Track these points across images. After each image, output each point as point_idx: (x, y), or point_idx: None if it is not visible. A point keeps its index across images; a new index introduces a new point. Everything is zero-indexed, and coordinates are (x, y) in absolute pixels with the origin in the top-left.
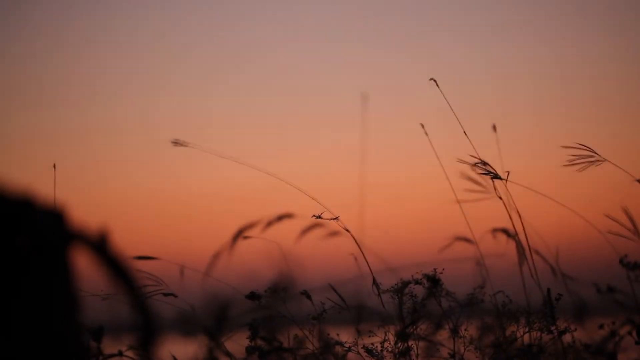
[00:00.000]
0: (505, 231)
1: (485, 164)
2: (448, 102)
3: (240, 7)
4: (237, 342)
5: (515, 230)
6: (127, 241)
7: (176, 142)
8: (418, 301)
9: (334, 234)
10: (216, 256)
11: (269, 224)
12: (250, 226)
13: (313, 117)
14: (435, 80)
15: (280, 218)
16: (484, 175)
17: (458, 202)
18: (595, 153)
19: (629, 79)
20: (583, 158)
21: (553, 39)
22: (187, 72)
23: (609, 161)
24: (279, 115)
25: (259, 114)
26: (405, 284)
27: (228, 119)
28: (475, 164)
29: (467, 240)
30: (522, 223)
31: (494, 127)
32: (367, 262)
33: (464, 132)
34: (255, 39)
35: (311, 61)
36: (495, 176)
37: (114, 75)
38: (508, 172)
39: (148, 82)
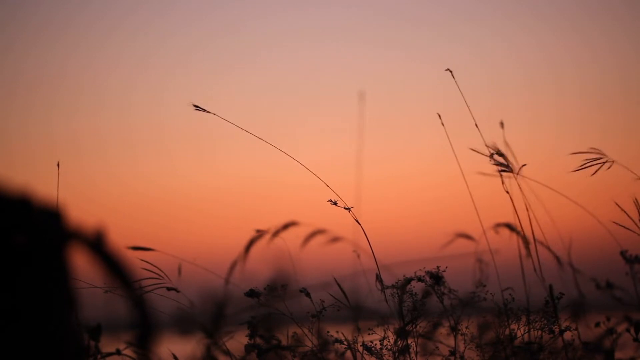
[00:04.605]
0: (508, 226)
1: (500, 154)
2: (462, 94)
3: (243, 8)
4: (236, 340)
5: (521, 225)
6: (128, 238)
7: (197, 107)
8: (418, 299)
9: (336, 240)
10: (233, 267)
11: (276, 233)
12: (258, 237)
13: (310, 116)
14: (450, 71)
15: (286, 226)
16: (498, 166)
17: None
18: (605, 155)
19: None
20: (593, 161)
21: (547, 38)
22: (190, 73)
23: (617, 162)
24: (277, 115)
25: (257, 113)
26: (408, 280)
27: (232, 118)
28: (491, 155)
29: (468, 237)
30: (529, 217)
31: (502, 124)
32: (374, 257)
33: (476, 124)
34: (251, 40)
35: (310, 61)
36: (509, 168)
37: (120, 74)
38: (524, 164)
39: (154, 81)
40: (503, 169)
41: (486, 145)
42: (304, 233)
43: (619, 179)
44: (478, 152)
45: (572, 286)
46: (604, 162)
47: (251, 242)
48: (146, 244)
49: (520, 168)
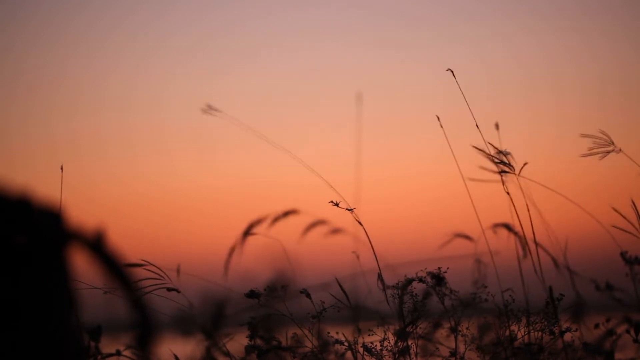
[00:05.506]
0: (506, 226)
1: (506, 153)
2: (463, 94)
3: (243, 9)
4: (236, 341)
5: (522, 226)
6: (128, 238)
7: (207, 109)
8: (419, 300)
9: (337, 231)
10: (230, 253)
11: (275, 220)
12: (258, 222)
13: (310, 116)
14: (452, 71)
15: (286, 214)
16: (500, 165)
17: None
18: (613, 142)
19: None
20: (601, 147)
21: (547, 37)
22: (190, 73)
23: (623, 152)
24: (276, 115)
25: (257, 113)
26: (409, 281)
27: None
28: (494, 153)
29: (466, 237)
30: (530, 218)
31: (497, 126)
32: (375, 258)
33: (477, 125)
34: (250, 41)
35: (309, 61)
36: (510, 167)
37: (120, 74)
38: (525, 163)
39: (154, 81)
40: (504, 169)
41: (489, 144)
42: (305, 223)
43: (619, 179)
44: (480, 150)
45: (569, 288)
46: (611, 150)
47: (250, 227)
48: (145, 245)
49: (521, 168)
